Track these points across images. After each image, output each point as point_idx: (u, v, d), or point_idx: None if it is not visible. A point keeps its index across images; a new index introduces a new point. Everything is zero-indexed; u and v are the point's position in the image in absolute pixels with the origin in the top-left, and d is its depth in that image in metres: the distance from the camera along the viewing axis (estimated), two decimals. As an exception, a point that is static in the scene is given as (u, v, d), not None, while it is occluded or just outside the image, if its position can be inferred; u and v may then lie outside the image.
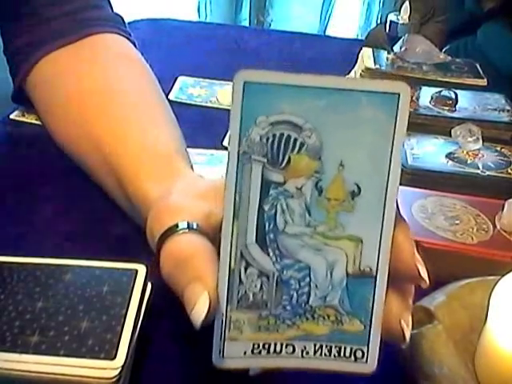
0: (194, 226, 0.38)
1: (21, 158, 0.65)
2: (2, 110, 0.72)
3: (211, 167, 0.62)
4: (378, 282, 0.34)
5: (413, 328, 0.42)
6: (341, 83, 0.32)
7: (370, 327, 0.35)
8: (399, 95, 0.32)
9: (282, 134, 0.32)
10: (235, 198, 0.33)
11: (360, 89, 0.32)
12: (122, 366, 0.36)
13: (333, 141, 0.32)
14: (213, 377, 0.40)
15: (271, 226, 0.33)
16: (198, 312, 0.33)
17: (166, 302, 0.38)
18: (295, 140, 0.32)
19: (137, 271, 0.42)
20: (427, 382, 0.39)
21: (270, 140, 0.32)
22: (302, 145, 0.32)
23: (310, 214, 0.34)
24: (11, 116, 0.70)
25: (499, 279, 0.41)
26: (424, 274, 0.35)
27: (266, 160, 0.32)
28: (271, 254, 0.34)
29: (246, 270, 0.34)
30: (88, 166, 0.57)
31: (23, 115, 0.70)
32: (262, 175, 0.33)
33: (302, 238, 0.34)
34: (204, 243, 0.37)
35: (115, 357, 0.36)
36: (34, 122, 0.68)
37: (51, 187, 0.60)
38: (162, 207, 0.42)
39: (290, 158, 0.33)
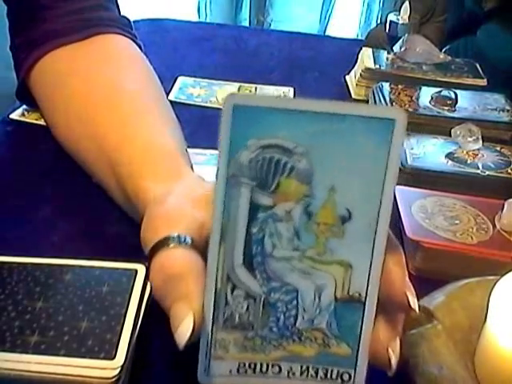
0: (186, 240, 0.38)
1: (21, 158, 0.65)
2: (2, 110, 0.72)
3: (211, 167, 0.62)
4: (366, 307, 0.34)
5: (412, 328, 0.42)
6: (334, 108, 0.32)
7: (358, 351, 0.35)
8: (394, 121, 0.31)
9: (271, 158, 0.32)
10: (223, 221, 0.32)
11: (354, 114, 0.32)
12: (122, 366, 0.36)
13: (324, 165, 0.32)
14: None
15: (259, 249, 0.33)
16: (182, 333, 0.33)
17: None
18: (285, 164, 0.32)
19: (136, 271, 0.42)
20: (427, 382, 0.39)
21: (260, 163, 0.32)
22: (292, 169, 0.32)
23: (298, 238, 0.33)
24: (11, 116, 0.70)
25: (499, 279, 0.41)
26: (413, 303, 0.35)
27: (254, 183, 0.32)
28: (258, 276, 0.34)
29: (232, 291, 0.34)
30: (88, 163, 0.57)
31: (24, 115, 0.70)
32: (251, 198, 0.32)
33: (290, 262, 0.34)
34: (194, 260, 0.37)
35: (115, 357, 0.36)
36: (34, 122, 0.68)
37: (51, 187, 0.60)
38: (157, 213, 0.42)
39: (279, 181, 0.32)
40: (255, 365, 0.35)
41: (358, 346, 0.35)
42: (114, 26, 0.65)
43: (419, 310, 0.43)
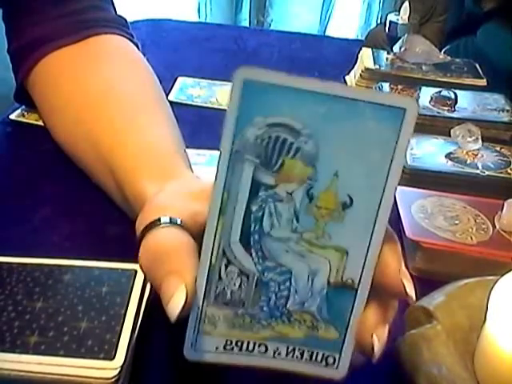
0: (177, 221, 0.38)
1: (21, 157, 0.65)
2: (2, 110, 0.72)
3: (211, 167, 0.62)
4: (358, 294, 0.34)
5: (412, 328, 0.42)
6: (345, 91, 0.31)
7: (345, 336, 0.35)
8: (405, 110, 0.31)
9: (277, 137, 0.32)
10: (223, 195, 0.32)
11: (365, 99, 0.31)
12: (122, 366, 0.36)
13: (330, 149, 0.32)
14: (212, 377, 0.40)
15: (257, 227, 0.33)
16: (175, 304, 0.33)
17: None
18: (291, 144, 0.32)
19: (136, 271, 0.42)
20: (427, 382, 0.39)
21: (266, 141, 0.32)
22: (297, 150, 0.32)
23: (297, 220, 0.33)
24: (11, 116, 0.70)
25: (498, 279, 0.41)
26: (410, 290, 0.34)
27: (258, 161, 0.32)
28: (254, 254, 0.34)
29: (226, 267, 0.34)
30: (86, 165, 0.57)
31: (23, 115, 0.70)
32: (254, 176, 0.32)
33: (286, 243, 0.33)
34: (184, 237, 0.36)
35: (114, 357, 0.37)
36: (33, 122, 0.68)
37: (51, 187, 0.60)
38: (147, 206, 0.42)
39: (283, 161, 0.32)
40: (242, 343, 0.35)
41: (346, 331, 0.35)
42: (110, 27, 0.65)
43: (418, 309, 0.43)
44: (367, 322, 0.35)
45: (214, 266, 0.33)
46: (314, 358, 0.35)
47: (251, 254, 0.34)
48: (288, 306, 0.34)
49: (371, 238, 0.33)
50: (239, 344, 0.35)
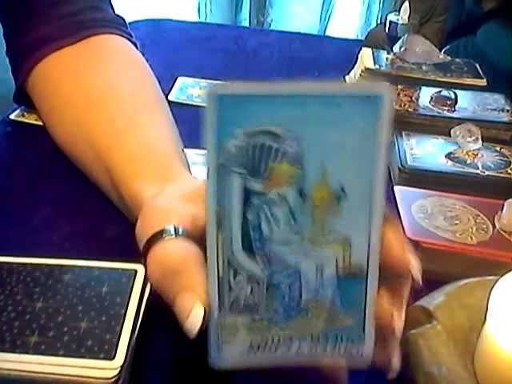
0: (181, 231, 0.38)
1: (21, 158, 0.65)
2: (2, 110, 0.72)
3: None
4: (369, 280, 0.34)
5: (412, 328, 0.42)
6: (320, 90, 0.31)
7: (364, 323, 0.35)
8: (381, 97, 0.31)
9: (262, 145, 0.32)
10: (217, 210, 0.33)
11: (339, 94, 0.32)
12: (122, 366, 0.36)
13: (314, 147, 0.32)
14: (212, 377, 0.40)
15: (257, 234, 0.33)
16: (194, 321, 0.34)
17: (166, 302, 0.38)
18: (276, 150, 0.32)
19: (136, 271, 0.42)
20: (427, 382, 0.39)
21: (250, 151, 0.32)
22: (282, 154, 0.32)
23: (295, 221, 0.33)
24: (11, 116, 0.70)
25: (498, 279, 0.41)
26: (414, 270, 0.35)
27: (246, 171, 0.32)
28: (259, 261, 0.34)
29: (234, 277, 0.34)
30: (85, 165, 0.57)
31: (23, 115, 0.70)
32: (244, 185, 0.32)
33: (289, 245, 0.34)
34: (191, 249, 0.37)
35: (114, 357, 0.37)
36: (33, 122, 0.68)
37: (51, 187, 0.60)
38: (148, 211, 0.42)
39: (271, 167, 0.32)
40: (264, 345, 0.35)
41: (364, 318, 0.35)
42: (108, 26, 0.65)
43: (418, 309, 0.43)
44: (383, 305, 0.35)
45: (222, 278, 0.34)
46: (336, 349, 0.36)
47: (257, 261, 0.34)
48: (302, 305, 0.35)
49: (370, 224, 0.33)
50: (261, 347, 0.35)
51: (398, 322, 0.35)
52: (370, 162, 0.32)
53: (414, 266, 0.35)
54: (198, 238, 0.37)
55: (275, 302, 0.35)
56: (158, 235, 0.38)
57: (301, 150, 0.32)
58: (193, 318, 0.34)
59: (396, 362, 0.36)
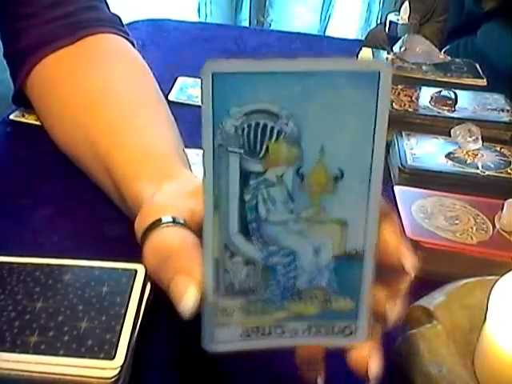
0: (179, 220, 0.38)
1: (21, 157, 0.65)
2: (2, 111, 0.72)
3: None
4: (365, 261, 0.34)
5: (412, 328, 0.42)
6: (315, 66, 0.31)
7: (359, 304, 0.35)
8: (379, 73, 0.31)
9: (257, 124, 0.31)
10: (214, 191, 0.32)
11: (337, 70, 0.31)
12: (122, 366, 0.36)
13: (312, 126, 0.32)
14: (212, 377, 0.40)
15: (253, 215, 0.33)
16: (188, 303, 0.34)
17: (166, 302, 0.38)
18: (272, 128, 0.31)
19: (136, 271, 0.42)
20: (427, 382, 0.39)
21: (246, 130, 0.31)
22: (279, 133, 0.31)
23: (292, 201, 0.33)
24: (11, 116, 0.70)
25: (498, 279, 0.41)
26: (408, 266, 0.35)
27: (243, 151, 0.32)
28: (255, 242, 0.34)
29: (230, 259, 0.34)
30: (85, 167, 0.57)
31: (23, 116, 0.70)
32: (241, 166, 0.32)
33: (285, 225, 0.33)
34: (188, 235, 0.37)
35: (114, 357, 0.37)
36: (33, 122, 0.68)
37: (51, 187, 0.60)
38: (145, 207, 0.42)
39: (268, 146, 0.32)
40: (259, 328, 0.35)
41: (359, 299, 0.35)
42: (105, 26, 0.65)
43: (418, 309, 0.43)
44: (378, 297, 0.35)
45: (218, 260, 0.34)
46: (331, 330, 0.35)
47: (253, 242, 0.34)
48: (298, 286, 0.35)
49: (368, 206, 0.33)
50: (256, 329, 0.35)
51: (390, 314, 0.36)
52: (369, 142, 0.32)
53: (408, 259, 0.35)
54: (197, 230, 0.37)
55: (271, 283, 0.34)
56: (156, 224, 0.38)
57: (298, 128, 0.31)
58: (187, 300, 0.34)
59: (374, 367, 0.35)
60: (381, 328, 0.36)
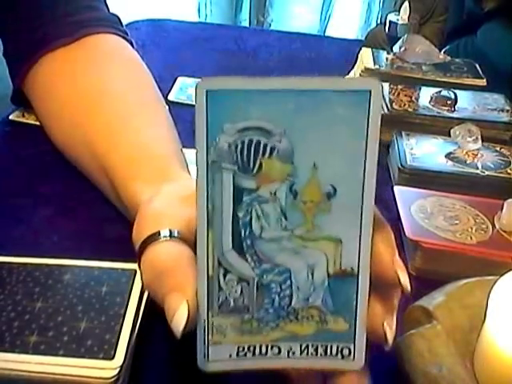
0: (175, 234, 0.38)
1: (21, 158, 0.65)
2: (2, 110, 0.72)
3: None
4: (360, 280, 0.34)
5: (412, 328, 0.42)
6: (308, 84, 0.32)
7: (355, 325, 0.35)
8: (370, 92, 0.31)
9: (250, 141, 0.32)
10: (208, 207, 0.32)
11: (329, 88, 0.32)
12: (121, 366, 0.36)
13: (305, 143, 0.32)
14: (211, 377, 0.40)
15: (247, 232, 0.33)
16: (178, 321, 0.33)
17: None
18: (265, 145, 0.32)
19: (136, 271, 0.42)
20: (426, 382, 0.39)
21: (239, 147, 0.32)
22: (272, 149, 0.32)
23: (286, 218, 0.33)
24: (11, 116, 0.70)
25: (498, 279, 0.41)
26: (404, 280, 0.35)
27: (236, 167, 0.32)
28: (249, 259, 0.34)
29: (224, 276, 0.34)
30: (83, 167, 0.57)
31: (23, 115, 0.70)
32: (234, 182, 0.32)
33: (279, 242, 0.33)
34: (184, 251, 0.37)
35: (114, 357, 0.37)
36: (33, 122, 0.68)
37: (51, 187, 0.60)
38: (144, 214, 0.42)
39: (261, 163, 0.32)
40: (254, 347, 0.35)
41: (356, 320, 0.35)
42: (103, 26, 0.64)
43: (418, 309, 0.43)
44: (375, 313, 0.35)
45: (212, 278, 0.33)
46: (328, 352, 0.35)
47: (247, 260, 0.34)
48: (293, 305, 0.34)
49: (361, 222, 0.33)
50: (251, 349, 0.35)
51: (389, 330, 0.35)
52: (361, 159, 0.32)
53: (402, 274, 0.35)
54: (192, 242, 0.36)
55: (266, 301, 0.34)
56: (152, 237, 0.38)
57: (291, 146, 0.32)
58: (177, 318, 0.33)
59: None
60: (381, 345, 0.36)
